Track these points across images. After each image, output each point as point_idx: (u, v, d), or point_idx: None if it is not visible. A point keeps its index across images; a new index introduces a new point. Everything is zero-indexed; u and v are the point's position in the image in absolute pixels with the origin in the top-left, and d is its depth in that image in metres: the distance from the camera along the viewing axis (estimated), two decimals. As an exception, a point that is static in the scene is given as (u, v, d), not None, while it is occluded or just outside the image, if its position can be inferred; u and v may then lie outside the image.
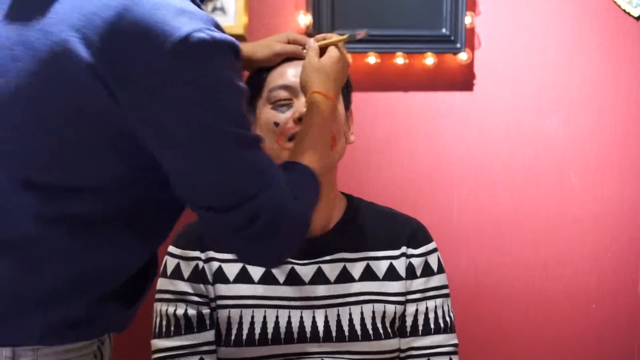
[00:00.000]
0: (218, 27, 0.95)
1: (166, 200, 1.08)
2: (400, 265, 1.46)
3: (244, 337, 1.37)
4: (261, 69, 1.38)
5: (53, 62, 0.92)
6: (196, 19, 0.92)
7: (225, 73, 0.96)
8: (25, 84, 0.93)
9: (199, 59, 0.92)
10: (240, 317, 1.37)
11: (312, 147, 1.19)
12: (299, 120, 1.33)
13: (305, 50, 1.34)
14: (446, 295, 1.48)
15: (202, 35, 0.91)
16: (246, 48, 1.34)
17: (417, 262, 1.47)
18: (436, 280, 1.47)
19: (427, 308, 1.45)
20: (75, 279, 1.01)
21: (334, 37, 1.33)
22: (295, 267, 1.41)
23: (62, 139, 0.96)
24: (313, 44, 1.32)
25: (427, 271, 1.47)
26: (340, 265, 1.42)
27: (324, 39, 1.34)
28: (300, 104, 1.34)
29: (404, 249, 1.46)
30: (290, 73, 1.37)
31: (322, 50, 1.32)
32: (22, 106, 0.95)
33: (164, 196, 1.06)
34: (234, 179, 0.99)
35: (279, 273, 1.40)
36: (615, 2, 2.04)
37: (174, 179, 1.01)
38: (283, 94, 1.36)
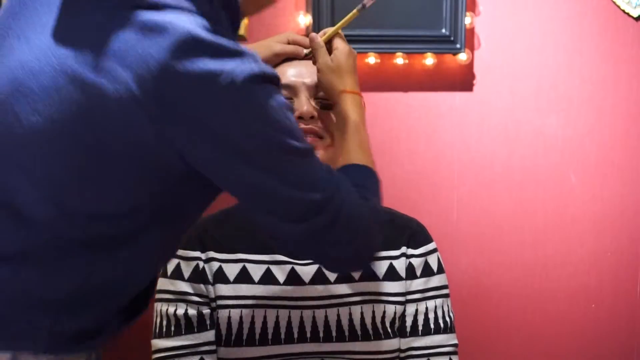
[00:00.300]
0: (258, 57, 0.98)
1: (184, 222, 1.10)
2: (400, 266, 1.46)
3: (244, 337, 1.37)
4: (261, 70, 1.39)
5: (101, 97, 0.92)
6: (244, 56, 0.95)
7: (277, 97, 0.98)
8: (68, 114, 0.93)
9: (253, 91, 0.95)
10: (241, 317, 1.37)
11: (358, 145, 1.23)
12: (298, 118, 1.33)
13: (311, 50, 1.35)
14: (446, 296, 1.48)
15: (252, 68, 0.94)
16: None
17: (417, 263, 1.47)
18: (436, 281, 1.47)
19: (427, 308, 1.45)
20: (90, 293, 1.01)
21: (330, 29, 1.35)
22: (295, 267, 1.41)
23: (99, 170, 0.96)
24: (319, 40, 1.33)
25: (427, 271, 1.47)
26: (341, 265, 1.42)
27: (324, 34, 1.35)
28: (300, 103, 1.36)
29: (403, 249, 1.47)
30: (290, 73, 1.38)
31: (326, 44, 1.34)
32: (62, 136, 0.95)
33: (185, 218, 1.09)
34: (309, 188, 1.01)
35: (279, 273, 1.40)
36: (614, 3, 2.05)
37: (251, 203, 1.03)
38: (283, 93, 1.36)
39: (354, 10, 1.35)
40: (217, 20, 0.98)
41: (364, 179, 1.16)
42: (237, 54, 0.94)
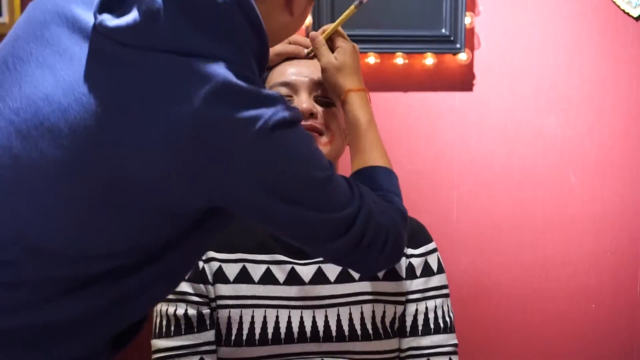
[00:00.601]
0: (285, 101, 1.01)
1: (193, 255, 1.12)
2: (400, 266, 1.46)
3: (244, 337, 1.37)
4: (262, 69, 1.39)
5: (130, 138, 0.92)
6: (276, 102, 0.97)
7: (303, 135, 1.02)
8: (93, 152, 0.93)
9: (284, 135, 0.97)
10: (241, 317, 1.37)
11: (373, 145, 1.27)
12: None
13: (313, 48, 1.36)
14: (446, 295, 1.48)
15: (283, 114, 0.97)
16: None
17: (417, 262, 1.47)
18: (436, 280, 1.47)
19: (427, 308, 1.45)
20: (90, 320, 1.01)
21: (330, 27, 1.35)
22: (296, 267, 1.41)
23: (118, 208, 0.96)
24: (320, 38, 1.33)
25: (427, 271, 1.47)
26: (341, 265, 1.42)
27: (324, 31, 1.35)
28: (299, 101, 1.36)
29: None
30: (290, 71, 1.39)
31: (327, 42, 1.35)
32: (84, 172, 0.94)
33: (193, 252, 1.10)
34: (339, 208, 1.05)
35: (279, 273, 1.40)
36: (614, 3, 2.04)
37: (285, 232, 1.07)
38: (283, 90, 1.38)
39: (352, 7, 1.35)
40: (251, 68, 1.00)
41: (384, 180, 1.20)
42: (270, 102, 0.97)
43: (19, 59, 0.98)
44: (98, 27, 0.94)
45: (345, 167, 1.37)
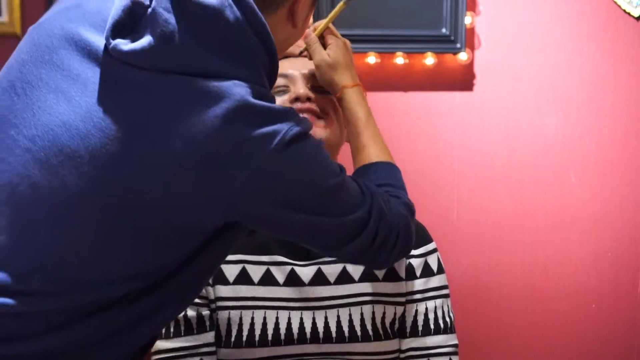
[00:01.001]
0: (298, 114, 1.03)
1: (210, 270, 1.13)
2: (400, 266, 1.46)
3: (244, 338, 1.36)
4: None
5: (149, 160, 0.93)
6: (289, 118, 0.99)
7: (314, 145, 1.04)
8: (113, 178, 0.93)
9: (298, 148, 0.99)
10: (240, 319, 1.37)
11: (373, 140, 1.29)
12: (295, 100, 1.36)
13: (306, 46, 1.36)
14: (446, 296, 1.48)
15: (297, 129, 0.99)
16: None
17: (416, 263, 1.47)
18: (436, 281, 1.47)
19: (427, 308, 1.45)
20: (103, 342, 1.01)
21: (321, 24, 1.36)
22: (295, 268, 1.41)
23: (136, 231, 0.96)
24: (313, 36, 1.35)
25: (427, 271, 1.47)
26: (340, 266, 1.42)
27: (315, 29, 1.37)
28: (296, 88, 1.38)
29: (403, 250, 1.46)
30: (287, 65, 1.41)
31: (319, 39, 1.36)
32: (104, 199, 0.94)
33: (210, 267, 1.11)
34: (353, 209, 1.07)
35: (279, 274, 1.40)
36: (615, 2, 2.04)
37: (303, 241, 1.09)
38: (280, 81, 1.39)
39: (341, 3, 1.36)
40: (263, 84, 1.01)
41: (388, 176, 1.22)
42: (284, 117, 0.98)
43: (28, 84, 0.97)
44: (111, 51, 0.94)
45: (345, 168, 1.37)
